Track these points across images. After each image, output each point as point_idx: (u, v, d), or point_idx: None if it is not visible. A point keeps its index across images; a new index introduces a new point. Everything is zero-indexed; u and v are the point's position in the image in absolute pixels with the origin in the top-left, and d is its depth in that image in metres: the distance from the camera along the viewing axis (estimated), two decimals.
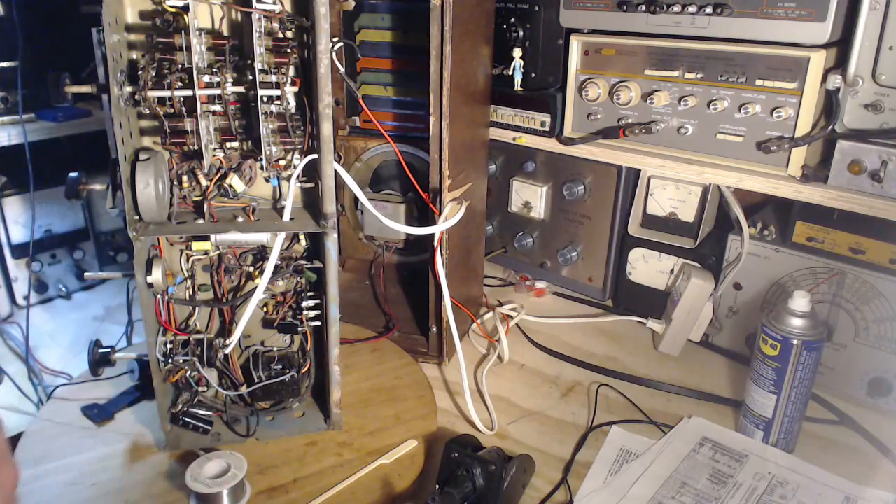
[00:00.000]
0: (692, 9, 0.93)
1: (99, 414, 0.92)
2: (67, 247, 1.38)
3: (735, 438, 0.90)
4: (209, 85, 0.75)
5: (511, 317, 1.19)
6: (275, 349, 0.91)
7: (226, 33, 0.79)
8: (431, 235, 0.97)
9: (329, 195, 0.78)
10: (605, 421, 0.94)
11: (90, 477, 0.83)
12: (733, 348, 1.09)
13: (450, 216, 0.97)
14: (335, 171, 0.77)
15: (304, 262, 0.86)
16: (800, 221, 0.99)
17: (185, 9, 0.72)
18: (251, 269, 0.86)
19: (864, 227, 0.93)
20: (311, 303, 0.88)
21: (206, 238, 0.83)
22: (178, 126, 0.76)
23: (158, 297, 0.82)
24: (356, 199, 1.22)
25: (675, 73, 0.99)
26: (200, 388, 0.86)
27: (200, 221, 0.81)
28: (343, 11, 1.11)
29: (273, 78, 0.76)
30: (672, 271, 1.14)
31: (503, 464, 0.74)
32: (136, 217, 0.76)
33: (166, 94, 0.73)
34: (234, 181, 0.81)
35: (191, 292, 0.86)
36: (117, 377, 0.98)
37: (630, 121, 1.05)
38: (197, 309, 0.87)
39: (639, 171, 1.13)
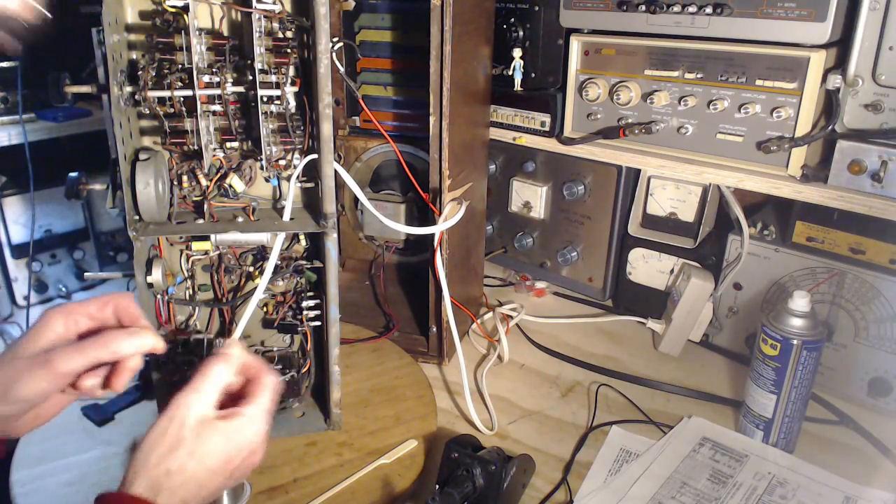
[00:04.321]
0: (692, 9, 0.93)
1: (99, 414, 0.92)
2: (67, 247, 1.38)
3: (735, 438, 0.90)
4: (209, 85, 0.75)
5: (511, 317, 1.19)
6: (275, 349, 0.91)
7: (226, 33, 0.79)
8: (431, 235, 0.97)
9: (329, 195, 0.78)
10: (605, 421, 0.94)
11: (90, 477, 0.83)
12: (733, 348, 1.09)
13: (450, 216, 0.97)
14: (335, 171, 0.77)
15: (304, 262, 0.87)
16: (800, 221, 0.99)
17: (185, 9, 0.72)
18: (251, 269, 0.86)
19: (864, 227, 0.93)
20: (311, 303, 0.88)
21: (206, 238, 0.83)
22: (178, 126, 0.76)
23: (158, 297, 0.82)
24: (356, 199, 1.22)
25: (675, 73, 0.99)
26: None
27: (200, 221, 0.81)
28: (343, 11, 1.11)
29: (273, 78, 0.76)
30: (672, 271, 1.14)
31: (503, 464, 0.74)
32: (136, 217, 0.76)
33: (166, 94, 0.73)
34: (234, 181, 0.81)
35: (191, 292, 0.86)
36: None
37: (630, 121, 1.05)
38: (197, 309, 0.87)
39: (639, 171, 1.13)
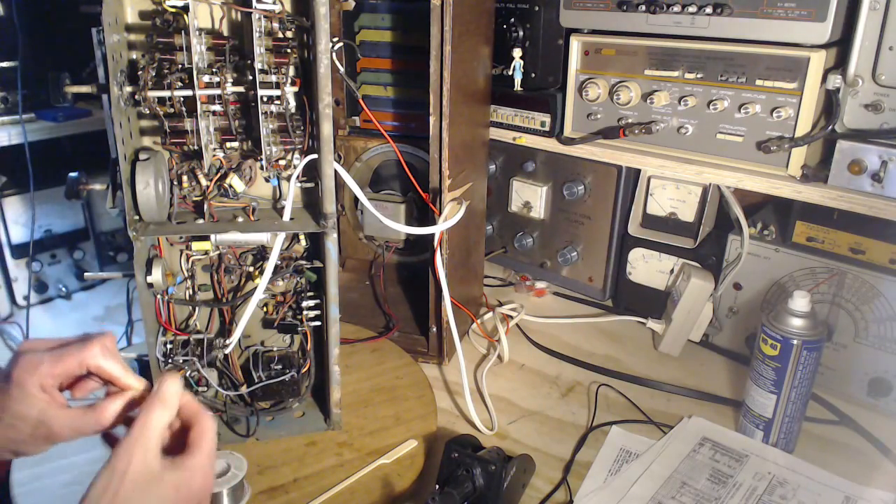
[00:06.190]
0: (692, 9, 0.93)
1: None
2: (67, 247, 1.37)
3: (735, 438, 0.90)
4: (209, 85, 0.75)
5: (511, 317, 1.19)
6: (275, 349, 0.91)
7: (226, 33, 0.79)
8: (431, 235, 0.97)
9: (329, 195, 0.78)
10: (605, 421, 0.94)
11: (90, 477, 0.82)
12: (733, 348, 1.09)
13: (450, 216, 0.97)
14: (335, 171, 0.77)
15: (304, 262, 0.87)
16: (800, 221, 0.99)
17: (185, 9, 0.72)
18: (251, 269, 0.86)
19: (864, 227, 0.93)
20: (311, 303, 0.88)
21: (206, 238, 0.83)
22: (178, 126, 0.76)
23: (158, 297, 0.82)
24: (356, 199, 1.22)
25: (675, 73, 0.99)
26: (200, 388, 0.86)
27: (200, 221, 0.81)
28: (343, 11, 1.11)
29: (273, 78, 0.76)
30: (672, 271, 1.14)
31: (503, 464, 0.74)
32: (136, 217, 0.76)
33: (166, 94, 0.73)
34: (234, 181, 0.81)
35: (191, 292, 0.86)
36: None
37: (630, 121, 1.05)
38: (197, 309, 0.87)
39: (639, 171, 1.13)
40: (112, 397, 0.60)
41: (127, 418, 0.60)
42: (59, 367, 0.59)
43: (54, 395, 0.59)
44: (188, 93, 0.74)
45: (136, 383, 0.61)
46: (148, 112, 0.74)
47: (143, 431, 0.55)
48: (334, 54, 0.99)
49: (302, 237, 0.86)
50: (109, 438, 0.63)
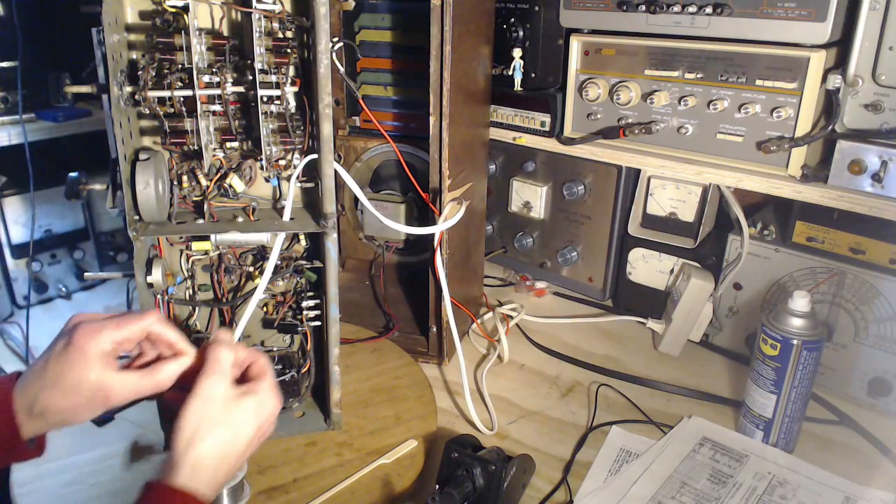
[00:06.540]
0: (692, 9, 0.93)
1: (99, 414, 0.92)
2: (67, 247, 1.37)
3: (735, 438, 0.90)
4: (209, 85, 0.75)
5: (511, 317, 1.19)
6: (275, 349, 0.92)
7: (226, 33, 0.79)
8: (431, 235, 0.97)
9: (329, 195, 0.78)
10: (605, 421, 0.94)
11: (90, 477, 0.83)
12: (733, 348, 1.09)
13: (450, 216, 0.97)
14: (335, 171, 0.77)
15: (304, 262, 0.87)
16: (800, 221, 0.99)
17: (185, 9, 0.72)
18: (251, 269, 0.86)
19: (864, 227, 0.93)
20: (311, 303, 0.88)
21: (206, 238, 0.83)
22: (178, 126, 0.76)
23: (158, 297, 0.82)
24: (356, 199, 1.22)
25: (675, 73, 0.99)
26: None
27: (200, 221, 0.81)
28: (343, 11, 1.11)
29: (273, 78, 0.76)
30: (672, 271, 1.14)
31: (503, 464, 0.74)
32: (136, 217, 0.76)
33: (166, 94, 0.73)
34: (234, 181, 0.81)
35: (191, 292, 0.86)
36: None
37: (630, 121, 1.05)
38: (197, 309, 0.87)
39: (639, 171, 1.13)
40: (168, 360, 0.64)
41: (181, 385, 0.63)
42: (122, 333, 0.62)
43: (111, 360, 0.62)
44: (188, 93, 0.74)
45: (191, 349, 0.65)
46: (148, 112, 0.74)
47: (216, 365, 0.61)
48: (334, 54, 0.99)
49: (302, 237, 0.86)
50: (165, 401, 0.66)
